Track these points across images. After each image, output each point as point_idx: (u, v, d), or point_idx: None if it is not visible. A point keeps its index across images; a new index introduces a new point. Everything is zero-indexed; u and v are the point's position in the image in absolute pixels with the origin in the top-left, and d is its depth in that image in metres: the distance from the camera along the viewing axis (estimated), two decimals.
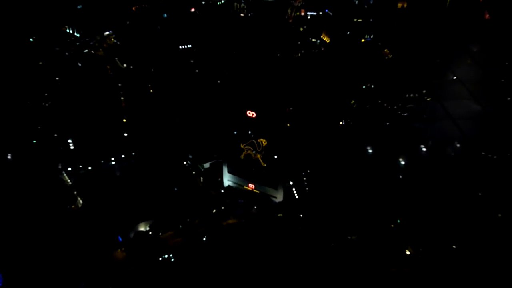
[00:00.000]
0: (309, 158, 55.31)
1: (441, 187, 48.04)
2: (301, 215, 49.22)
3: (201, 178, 57.06)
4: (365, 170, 51.84)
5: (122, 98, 65.23)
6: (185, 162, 59.51)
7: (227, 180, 56.28)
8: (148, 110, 63.95)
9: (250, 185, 54.28)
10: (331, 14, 73.97)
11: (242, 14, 77.04)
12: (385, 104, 59.89)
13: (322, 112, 58.88)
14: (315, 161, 54.84)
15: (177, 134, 61.77)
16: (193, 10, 78.22)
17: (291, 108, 54.48)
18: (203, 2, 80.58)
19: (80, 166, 55.14)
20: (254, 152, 52.28)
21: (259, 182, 53.38)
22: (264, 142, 50.67)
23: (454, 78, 64.53)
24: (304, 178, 54.21)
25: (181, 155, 59.71)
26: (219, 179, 56.22)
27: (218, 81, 65.68)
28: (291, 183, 53.48)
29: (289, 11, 73.82)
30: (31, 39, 72.26)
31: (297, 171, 54.58)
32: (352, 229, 45.70)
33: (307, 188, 53.25)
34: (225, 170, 56.03)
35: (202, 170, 58.28)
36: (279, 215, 50.14)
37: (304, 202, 51.25)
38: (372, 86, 62.65)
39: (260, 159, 52.10)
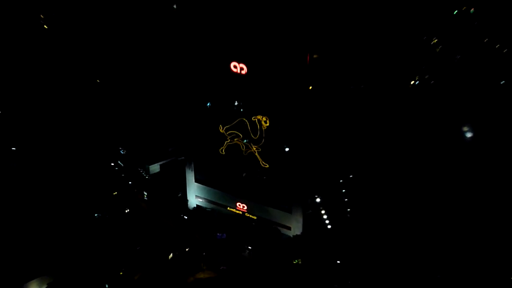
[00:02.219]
0: (351, 152, 53.75)
1: None
2: (338, 262, 47.96)
3: (145, 194, 57.19)
4: (457, 177, 50.36)
5: None
6: (113, 164, 59.27)
7: (195, 196, 55.54)
8: (37, 66, 62.45)
9: (239, 205, 53.15)
10: None
11: None
12: None
13: (374, 61, 56.29)
14: (363, 159, 53.41)
15: (96, 109, 61.53)
16: None
17: (315, 56, 49.67)
18: None
19: None
20: (245, 141, 50.42)
21: (256, 199, 52.14)
22: (265, 123, 48.31)
23: None
24: (343, 191, 52.79)
25: (105, 151, 60.02)
26: (180, 194, 56.20)
27: (174, 5, 62.18)
28: (318, 200, 51.69)
29: None
30: None
31: (328, 178, 53.76)
32: None
33: (348, 209, 51.91)
34: (190, 177, 54.87)
35: (147, 177, 59.08)
36: (295, 261, 48.85)
37: (342, 237, 49.87)
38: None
39: (257, 154, 50.22)
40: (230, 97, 49.34)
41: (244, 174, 52.04)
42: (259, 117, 48.42)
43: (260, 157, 50.07)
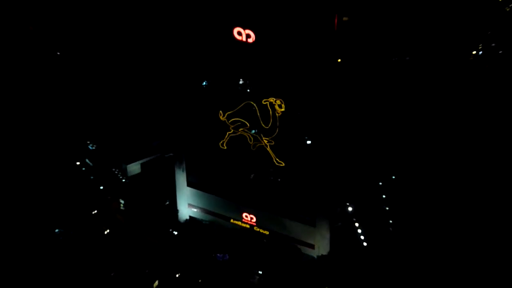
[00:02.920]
0: (394, 146, 54.39)
1: None
2: None
3: (122, 203, 56.87)
4: None
5: None
6: (79, 162, 59.79)
7: (188, 205, 55.22)
8: None
9: (246, 216, 52.50)
10: None
11: None
12: None
13: (423, 25, 56.22)
14: (410, 154, 54.01)
15: (55, 90, 63.08)
16: None
17: (345, 19, 48.32)
18: None
19: None
20: (254, 132, 49.28)
21: (268, 208, 51.58)
22: (280, 107, 46.87)
23: None
24: (383, 196, 52.91)
25: (69, 145, 60.81)
26: (167, 202, 56.23)
27: None
28: (350, 209, 51.88)
29: None
30: None
31: (364, 180, 54.02)
32: None
33: (390, 221, 51.58)
34: (181, 180, 54.43)
35: (124, 180, 59.24)
36: None
37: (382, 257, 49.26)
38: None
39: (269, 149, 48.74)
40: (233, 74, 47.81)
41: (252, 176, 51.11)
42: (272, 99, 46.37)
43: (273, 152, 48.39)
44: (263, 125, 47.66)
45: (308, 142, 46.54)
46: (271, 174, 49.69)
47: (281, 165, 48.27)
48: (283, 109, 46.27)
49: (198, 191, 53.62)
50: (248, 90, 47.64)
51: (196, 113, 51.65)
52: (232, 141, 50.25)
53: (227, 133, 50.09)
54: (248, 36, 44.68)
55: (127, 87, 63.34)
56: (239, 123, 49.33)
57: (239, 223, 52.55)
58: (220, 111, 49.43)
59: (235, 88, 48.10)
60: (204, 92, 50.49)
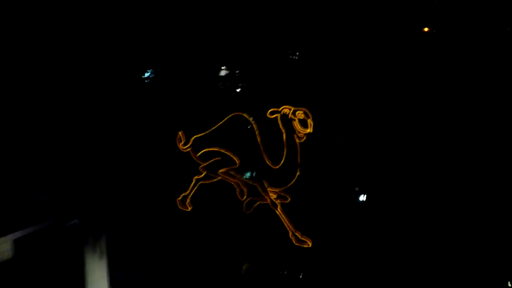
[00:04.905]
0: None
1: None
2: None
3: None
4: None
5: None
6: None
7: None
8: None
9: None
10: None
11: None
12: None
13: None
14: None
15: None
16: None
17: None
18: None
19: None
20: (249, 177, 43.57)
21: None
22: (303, 127, 41.83)
23: None
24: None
25: None
26: None
27: None
28: None
29: None
30: None
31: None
32: None
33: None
34: (96, 274, 51.18)
35: None
36: None
37: None
38: None
39: (280, 211, 43.09)
40: (207, 53, 45.55)
41: (244, 267, 47.97)
42: (286, 110, 39.20)
43: (289, 219, 40.95)
44: (268, 162, 40.84)
45: (361, 198, 43.16)
46: (283, 264, 46.20)
47: (304, 245, 40.80)
48: (309, 130, 39.13)
49: None
50: (238, 90, 46.19)
51: (130, 136, 46.67)
52: (204, 194, 43.65)
53: (194, 179, 42.58)
54: None
55: None
56: (218, 159, 42.44)
57: None
58: (180, 133, 42.68)
59: (211, 84, 46.22)
60: (147, 92, 46.68)
